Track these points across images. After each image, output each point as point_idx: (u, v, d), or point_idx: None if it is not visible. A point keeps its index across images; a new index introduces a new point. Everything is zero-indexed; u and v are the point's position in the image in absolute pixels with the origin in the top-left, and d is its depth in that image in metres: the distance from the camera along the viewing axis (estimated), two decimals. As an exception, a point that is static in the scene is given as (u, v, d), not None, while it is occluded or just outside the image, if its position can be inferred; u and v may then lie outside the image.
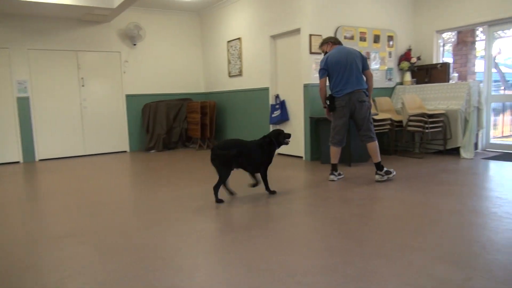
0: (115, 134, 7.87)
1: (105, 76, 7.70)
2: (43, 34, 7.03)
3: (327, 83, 4.43)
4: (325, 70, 4.37)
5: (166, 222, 3.17)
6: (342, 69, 4.29)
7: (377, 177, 4.34)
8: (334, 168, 4.51)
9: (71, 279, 2.20)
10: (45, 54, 7.09)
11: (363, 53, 5.38)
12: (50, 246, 2.72)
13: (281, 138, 3.91)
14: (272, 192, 3.95)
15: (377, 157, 4.32)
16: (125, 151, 7.95)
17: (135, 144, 8.06)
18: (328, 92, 4.44)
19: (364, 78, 4.38)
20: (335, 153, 4.47)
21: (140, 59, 7.98)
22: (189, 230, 2.96)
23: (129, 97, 7.92)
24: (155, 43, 8.12)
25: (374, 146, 4.33)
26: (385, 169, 4.34)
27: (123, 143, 7.96)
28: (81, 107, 7.49)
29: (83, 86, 7.47)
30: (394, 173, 4.37)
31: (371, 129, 4.35)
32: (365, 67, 4.37)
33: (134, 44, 7.83)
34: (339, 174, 4.56)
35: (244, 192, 4.07)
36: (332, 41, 4.51)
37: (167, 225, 3.09)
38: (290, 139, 4.00)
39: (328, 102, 4.42)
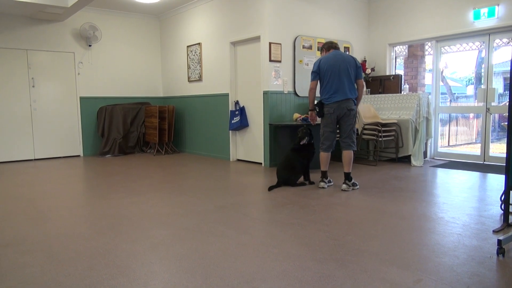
0: (68, 138, 7.54)
1: (58, 77, 7.37)
2: (-11, 31, 6.65)
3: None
4: (317, 73, 4.33)
5: (119, 228, 3.07)
6: (334, 75, 4.22)
7: (344, 186, 4.35)
8: (324, 175, 4.50)
9: (16, 290, 2.07)
10: (-8, 51, 6.71)
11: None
12: (-7, 256, 2.55)
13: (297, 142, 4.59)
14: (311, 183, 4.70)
15: (349, 167, 4.35)
16: (78, 156, 7.64)
17: (88, 148, 7.76)
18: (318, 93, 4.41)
19: (356, 87, 4.33)
20: (324, 159, 4.45)
21: (95, 60, 7.72)
22: (144, 236, 2.89)
23: (83, 100, 7.63)
24: (112, 45, 7.90)
25: (350, 155, 4.33)
26: (353, 180, 4.42)
27: (76, 147, 7.65)
28: (31, 108, 7.13)
29: (33, 86, 7.11)
30: (358, 186, 4.44)
31: (352, 138, 4.34)
32: (358, 76, 4.29)
33: (90, 45, 7.57)
34: (329, 181, 4.56)
35: (198, 199, 4.03)
36: (326, 48, 4.43)
37: (121, 231, 3.00)
38: (304, 140, 4.53)
39: (317, 109, 4.38)
